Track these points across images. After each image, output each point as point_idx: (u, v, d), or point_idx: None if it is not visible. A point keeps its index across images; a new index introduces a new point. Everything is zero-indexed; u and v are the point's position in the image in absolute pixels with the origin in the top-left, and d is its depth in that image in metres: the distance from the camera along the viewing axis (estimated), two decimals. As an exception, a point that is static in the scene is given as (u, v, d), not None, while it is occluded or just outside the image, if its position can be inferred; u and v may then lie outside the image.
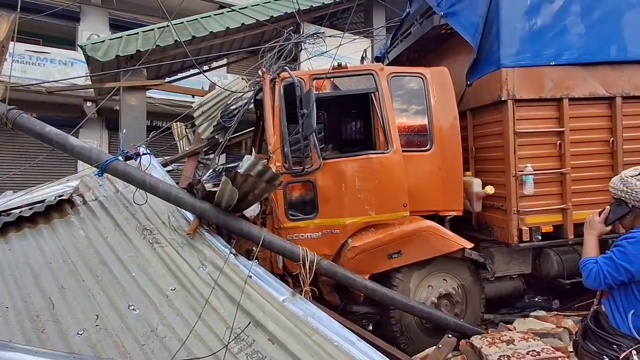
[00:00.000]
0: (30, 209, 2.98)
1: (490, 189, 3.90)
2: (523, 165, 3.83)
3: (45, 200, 3.25)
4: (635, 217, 1.85)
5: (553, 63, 3.85)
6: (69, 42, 11.17)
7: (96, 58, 4.91)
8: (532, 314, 3.91)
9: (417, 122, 3.98)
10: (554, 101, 3.90)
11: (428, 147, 3.91)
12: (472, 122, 4.43)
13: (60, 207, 3.11)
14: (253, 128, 5.50)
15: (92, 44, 5.35)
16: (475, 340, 3.14)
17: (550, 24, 3.86)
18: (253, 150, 4.32)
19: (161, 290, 2.42)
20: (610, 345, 1.76)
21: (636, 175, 1.84)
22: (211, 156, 4.94)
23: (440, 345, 2.78)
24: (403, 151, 3.71)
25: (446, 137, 3.94)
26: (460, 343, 3.22)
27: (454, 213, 3.93)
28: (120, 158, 3.00)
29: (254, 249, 3.42)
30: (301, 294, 2.87)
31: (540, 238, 3.88)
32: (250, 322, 2.25)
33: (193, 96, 9.99)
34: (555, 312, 4.02)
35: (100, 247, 2.72)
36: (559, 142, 3.90)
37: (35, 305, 2.19)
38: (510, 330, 3.48)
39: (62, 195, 3.27)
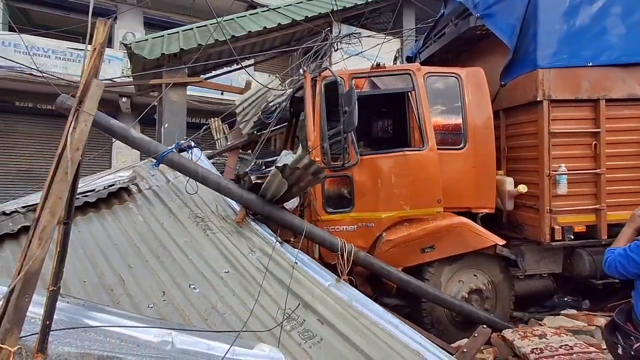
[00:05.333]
0: (94, 195, 3.24)
1: (523, 188, 3.96)
2: (557, 165, 3.87)
3: (97, 189, 3.51)
4: None
5: (590, 64, 3.88)
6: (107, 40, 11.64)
7: (143, 55, 5.20)
8: (563, 312, 3.96)
9: (452, 120, 4.08)
10: (590, 102, 3.93)
11: (462, 145, 4.00)
12: (505, 121, 4.49)
13: (118, 194, 3.36)
14: (283, 124, 5.70)
15: (137, 42, 5.64)
16: (507, 333, 3.23)
17: (589, 25, 3.88)
18: (300, 144, 4.49)
19: (216, 272, 2.63)
20: (629, 337, 1.82)
21: None
22: (249, 151, 5.15)
23: (475, 335, 2.89)
24: (438, 149, 3.82)
25: (480, 136, 4.02)
26: (492, 336, 3.32)
27: (486, 210, 4.01)
28: (174, 150, 3.22)
29: (292, 239, 3.62)
30: (339, 283, 3.02)
31: (572, 237, 3.92)
32: (299, 304, 2.43)
33: (222, 92, 10.31)
34: (586, 312, 4.05)
35: (158, 231, 2.95)
36: (594, 142, 3.92)
37: (109, 281, 2.43)
38: (542, 326, 3.55)
39: (113, 185, 3.52)
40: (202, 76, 7.13)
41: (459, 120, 4.03)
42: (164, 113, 5.53)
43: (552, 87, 3.84)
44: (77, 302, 1.73)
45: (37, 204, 3.42)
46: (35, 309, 1.50)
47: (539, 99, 3.85)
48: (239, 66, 7.33)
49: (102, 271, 2.50)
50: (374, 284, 3.97)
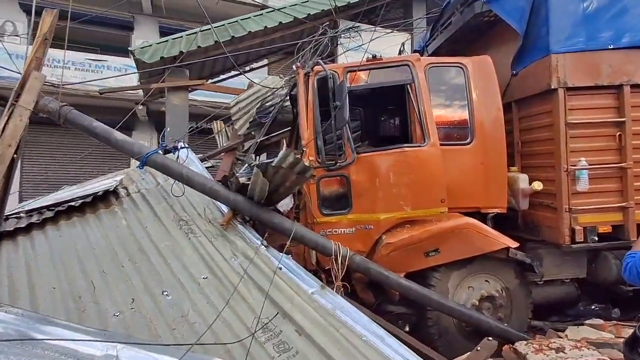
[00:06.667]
0: (80, 200, 3.18)
1: (538, 185, 3.62)
2: (576, 159, 3.52)
3: (94, 193, 3.47)
4: None
5: (611, 47, 3.52)
6: (124, 50, 11.96)
7: (143, 60, 5.20)
8: (587, 322, 3.58)
9: (457, 114, 3.80)
10: (612, 88, 3.56)
11: (468, 140, 3.72)
12: (517, 114, 4.16)
13: (106, 198, 3.29)
14: (290, 128, 5.56)
15: (140, 48, 5.67)
16: (520, 346, 2.91)
17: (608, 5, 3.53)
18: (284, 144, 4.35)
19: (194, 278, 2.48)
20: None
21: None
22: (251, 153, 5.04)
23: (478, 348, 2.60)
24: (441, 145, 3.55)
25: (489, 130, 3.72)
26: (503, 348, 3.01)
27: (497, 210, 3.69)
28: (160, 152, 3.12)
29: (287, 243, 3.44)
30: (334, 290, 2.82)
31: (596, 239, 3.54)
32: (278, 313, 2.24)
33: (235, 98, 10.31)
34: (615, 322, 3.65)
35: (140, 236, 2.85)
36: (618, 133, 3.55)
37: (79, 287, 2.33)
38: (561, 337, 3.19)
39: (107, 188, 3.48)
40: (209, 80, 7.12)
41: (465, 114, 3.75)
42: (166, 117, 5.51)
43: (568, 73, 3.50)
44: (19, 313, 1.61)
45: (41, 207, 3.38)
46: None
47: (553, 87, 3.52)
48: (247, 69, 7.28)
49: (74, 277, 2.41)
50: (375, 290, 3.72)
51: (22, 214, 3.46)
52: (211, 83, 6.61)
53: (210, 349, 1.88)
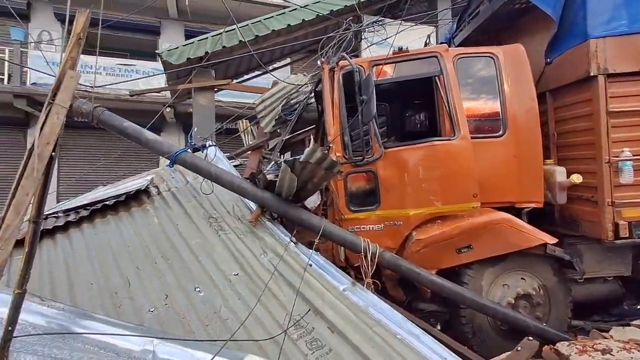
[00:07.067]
0: (114, 199, 3.27)
1: (577, 178, 3.45)
2: (618, 149, 3.33)
3: (127, 192, 3.56)
4: None
5: (658, 29, 3.29)
6: (152, 55, 12.31)
7: (170, 62, 5.31)
8: (634, 322, 3.37)
9: (488, 106, 3.66)
10: (659, 74, 3.33)
11: (501, 132, 3.58)
12: (552, 104, 3.97)
13: (138, 197, 3.37)
14: (315, 125, 5.54)
15: (168, 50, 5.79)
16: (562, 347, 2.77)
17: (653, -17, 3.30)
18: (316, 140, 4.33)
19: (225, 274, 2.50)
20: None
21: None
22: (277, 151, 5.05)
23: (519, 348, 2.49)
24: (472, 138, 3.43)
25: (522, 122, 3.57)
26: (543, 349, 2.87)
27: (533, 205, 3.54)
28: (188, 150, 3.16)
29: (316, 240, 3.41)
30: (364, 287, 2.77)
31: (643, 234, 3.33)
32: (309, 310, 2.22)
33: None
34: (664, 322, 3.42)
35: (171, 233, 2.89)
36: (666, 121, 3.32)
37: (115, 283, 2.39)
38: (606, 338, 3.02)
39: (139, 187, 3.56)
40: (234, 80, 7.19)
41: (497, 105, 3.61)
42: (193, 117, 5.60)
43: (608, 59, 3.31)
44: (61, 308, 1.65)
45: (77, 207, 3.50)
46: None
47: (592, 74, 3.33)
48: (270, 68, 7.32)
49: (110, 274, 2.48)
50: (406, 287, 3.65)
51: (59, 214, 3.60)
52: (236, 83, 6.68)
53: (243, 345, 1.87)
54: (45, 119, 1.51)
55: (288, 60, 9.16)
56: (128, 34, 11.85)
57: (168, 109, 11.42)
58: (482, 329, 3.43)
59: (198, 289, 2.35)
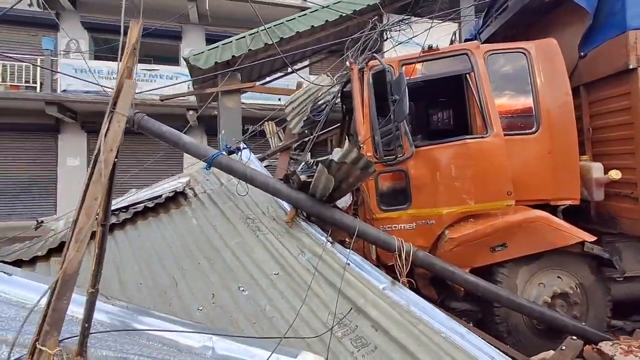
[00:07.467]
0: (153, 201, 3.39)
1: (616, 174, 3.37)
2: (659, 144, 3.23)
3: (163, 194, 3.68)
4: None
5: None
6: (174, 59, 12.58)
7: (198, 67, 5.43)
8: (677, 321, 3.28)
9: (521, 102, 3.62)
10: (702, 65, 3.22)
11: (534, 129, 3.53)
12: (587, 98, 3.88)
13: (176, 199, 3.48)
14: (338, 124, 5.57)
15: (194, 55, 5.92)
16: (606, 346, 2.71)
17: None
18: (347, 140, 4.36)
19: (266, 274, 2.56)
20: None
21: None
22: (300, 152, 5.11)
23: (563, 347, 2.46)
24: (505, 135, 3.40)
25: (556, 117, 3.51)
26: (585, 349, 2.82)
27: (570, 202, 3.48)
28: (224, 153, 3.24)
29: (347, 239, 3.45)
30: (398, 286, 2.79)
31: (686, 231, 3.24)
32: (351, 308, 2.25)
33: (279, 98, 10.52)
34: None
35: (211, 234, 2.98)
36: None
37: (162, 283, 2.48)
38: (650, 338, 2.95)
39: (176, 189, 3.67)
40: (257, 83, 7.29)
41: (529, 101, 3.56)
42: (220, 120, 5.71)
43: (648, 51, 3.22)
44: (126, 306, 1.74)
45: (114, 210, 3.63)
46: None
47: (631, 67, 3.25)
48: (290, 70, 7.38)
49: (157, 273, 2.57)
50: (438, 286, 3.64)
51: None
52: (259, 85, 6.78)
53: (291, 343, 1.93)
54: (108, 126, 1.59)
55: (306, 62, 9.21)
56: (150, 40, 12.15)
57: (191, 112, 11.67)
58: (518, 329, 3.40)
59: (242, 289, 2.41)
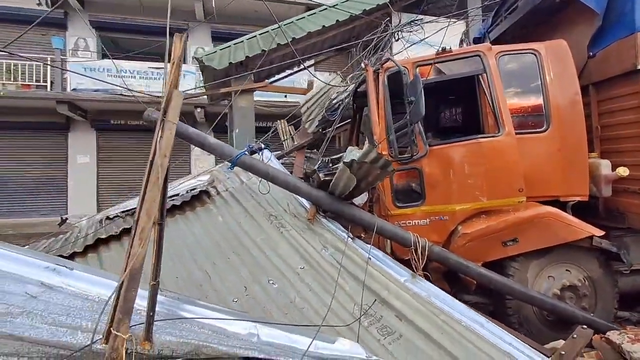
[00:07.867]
0: (180, 199, 3.53)
1: (624, 171, 3.50)
2: (666, 142, 3.35)
3: (181, 193, 3.82)
4: None
5: None
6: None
7: (213, 67, 5.56)
8: (681, 312, 3.42)
9: (531, 101, 3.74)
10: None
11: (544, 127, 3.65)
12: (596, 97, 3.99)
13: (199, 197, 3.62)
14: (347, 122, 5.69)
15: (207, 55, 6.04)
16: (614, 335, 2.86)
17: None
18: (365, 139, 4.47)
19: (292, 268, 2.70)
20: None
21: None
22: (315, 150, 5.25)
23: (575, 336, 2.61)
24: (516, 133, 3.53)
25: (566, 116, 3.63)
26: (593, 338, 2.97)
27: (579, 198, 3.61)
28: (246, 153, 3.38)
29: (362, 235, 3.59)
30: (415, 279, 2.93)
31: (692, 226, 3.36)
32: (375, 300, 2.40)
33: (286, 95, 10.64)
34: None
35: (237, 231, 3.12)
36: None
37: (196, 277, 2.64)
38: (656, 328, 3.09)
39: (195, 188, 3.82)
40: (266, 81, 7.41)
41: (540, 101, 3.68)
42: (234, 119, 5.84)
43: (656, 52, 3.33)
44: (172, 296, 1.89)
45: (133, 208, 3.81)
46: (139, 302, 1.67)
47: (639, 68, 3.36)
48: (300, 68, 7.49)
49: (191, 268, 2.72)
50: (451, 280, 3.79)
51: (121, 215, 3.90)
52: (271, 84, 6.90)
53: (325, 330, 2.07)
54: (162, 134, 1.74)
55: (312, 60, 9.30)
56: (157, 38, 12.25)
57: (199, 110, 11.81)
58: (529, 320, 3.54)
59: (272, 282, 2.57)
